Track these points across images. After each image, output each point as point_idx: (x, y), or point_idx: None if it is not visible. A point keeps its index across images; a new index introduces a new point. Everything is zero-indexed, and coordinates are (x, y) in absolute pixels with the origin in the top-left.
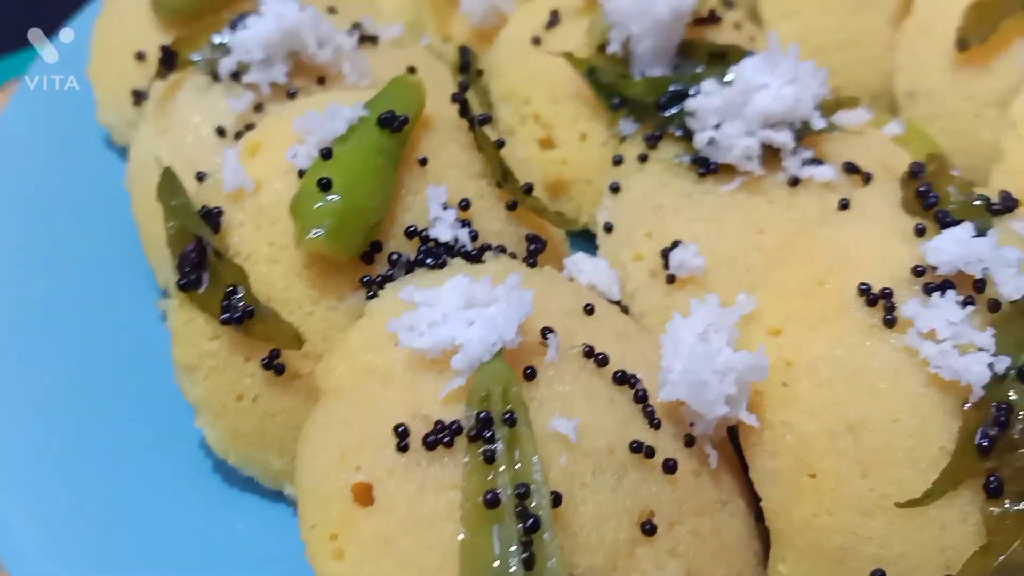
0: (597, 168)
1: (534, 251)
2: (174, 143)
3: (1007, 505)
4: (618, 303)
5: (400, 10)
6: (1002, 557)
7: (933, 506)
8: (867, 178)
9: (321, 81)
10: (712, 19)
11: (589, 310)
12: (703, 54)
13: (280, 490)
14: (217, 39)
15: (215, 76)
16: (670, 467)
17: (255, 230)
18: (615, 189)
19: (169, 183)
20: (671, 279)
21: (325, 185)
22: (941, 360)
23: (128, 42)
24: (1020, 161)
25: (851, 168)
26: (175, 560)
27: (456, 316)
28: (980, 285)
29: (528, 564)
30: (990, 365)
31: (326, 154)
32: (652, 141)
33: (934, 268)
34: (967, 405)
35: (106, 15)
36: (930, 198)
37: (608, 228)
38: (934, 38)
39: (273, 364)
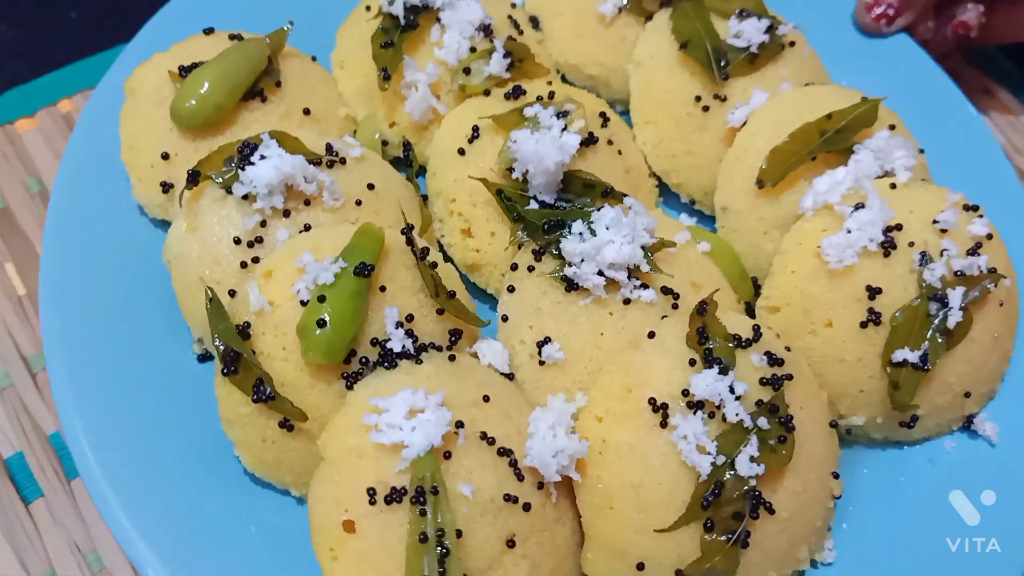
0: (502, 258)
1: (454, 341)
2: (202, 241)
3: (714, 537)
4: (508, 374)
5: (357, 98)
6: (708, 565)
7: (675, 532)
8: (676, 296)
9: (307, 203)
10: (591, 140)
11: (486, 399)
12: (579, 185)
13: (288, 491)
14: (228, 164)
15: (229, 191)
16: (527, 507)
17: (272, 338)
18: (511, 290)
19: (217, 310)
20: (542, 363)
21: (321, 323)
22: (688, 453)
23: (154, 140)
24: (781, 281)
25: (666, 290)
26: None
27: (404, 424)
28: (716, 409)
29: (442, 575)
30: (712, 463)
31: (321, 299)
32: (538, 255)
33: (694, 394)
34: (700, 479)
35: (131, 105)
36: (702, 338)
37: (505, 319)
38: (744, 169)
39: (286, 424)
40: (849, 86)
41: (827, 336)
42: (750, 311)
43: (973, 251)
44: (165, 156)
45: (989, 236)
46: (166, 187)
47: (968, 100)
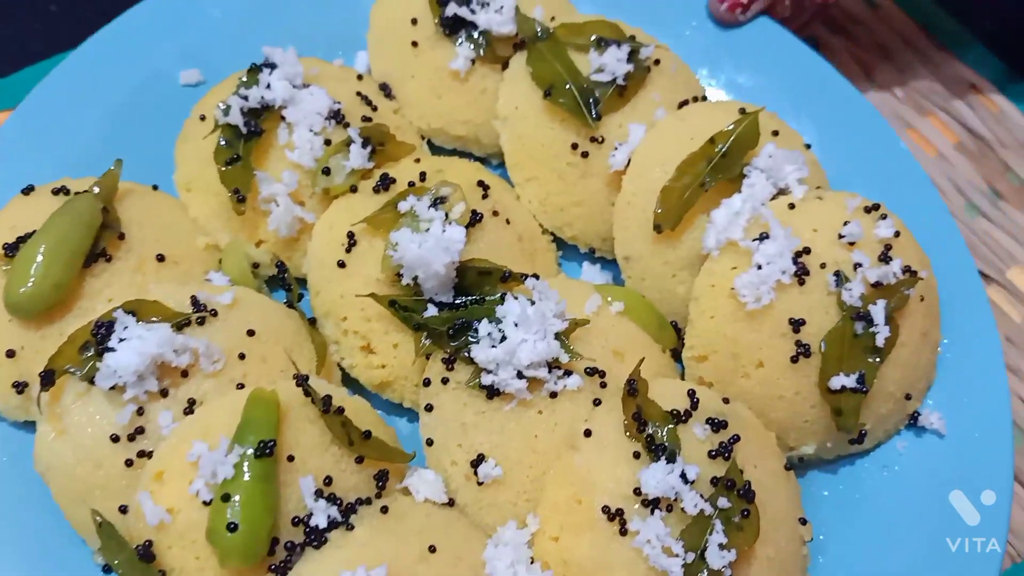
0: (411, 370)
1: (381, 487)
2: (75, 446)
3: None
4: (448, 503)
5: (213, 221)
6: None
7: None
8: (602, 374)
9: (184, 374)
10: (476, 218)
11: (432, 549)
12: (475, 275)
13: None
14: (86, 354)
15: (91, 381)
16: None
17: (181, 550)
18: (429, 409)
19: (110, 538)
20: (480, 483)
21: (233, 528)
22: (655, 559)
23: None
24: (702, 328)
25: (590, 371)
26: None
27: None
28: (672, 503)
29: None
30: (683, 564)
31: (225, 498)
32: (449, 363)
33: (646, 493)
34: None
35: None
36: (640, 425)
37: (430, 443)
38: (638, 214)
39: None
40: (722, 85)
41: (760, 377)
42: (676, 355)
43: (884, 256)
44: (11, 354)
45: (897, 234)
46: (20, 387)
47: (837, 71)
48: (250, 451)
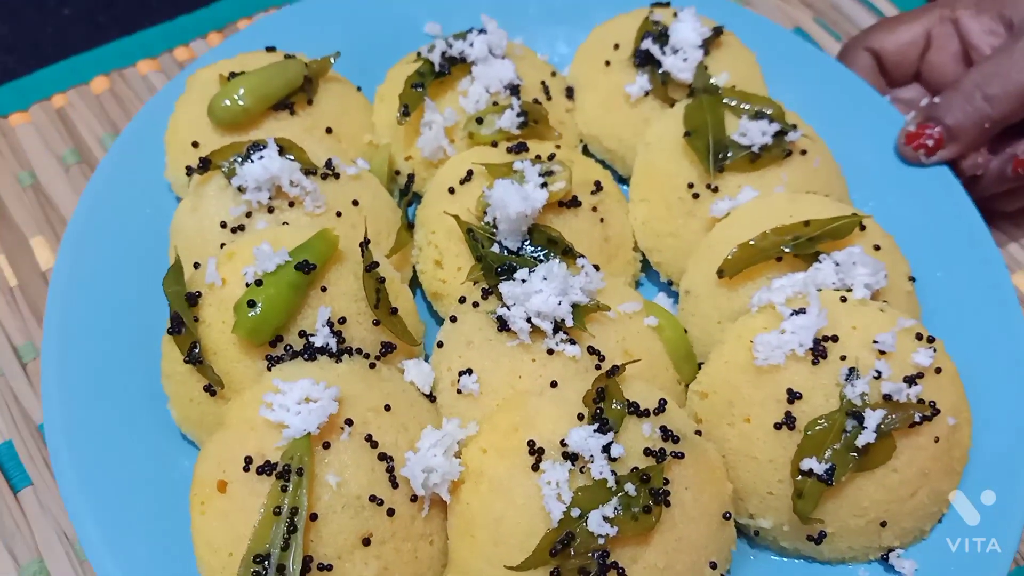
0: (462, 292)
1: (383, 353)
2: (198, 220)
3: None
4: (430, 396)
5: (386, 129)
6: None
7: (524, 574)
8: (601, 357)
9: (291, 204)
10: (575, 203)
11: (387, 408)
12: (544, 238)
13: None
14: (235, 158)
15: (229, 181)
16: (390, 512)
17: (215, 311)
18: (453, 319)
19: (174, 274)
20: (459, 392)
21: (252, 304)
22: (547, 499)
23: (190, 129)
24: (714, 369)
25: (592, 350)
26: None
27: (293, 407)
28: (586, 464)
29: (284, 549)
30: (564, 512)
31: (259, 283)
32: (485, 294)
33: (568, 444)
34: (552, 527)
35: (185, 97)
36: (596, 398)
37: (440, 344)
38: (712, 256)
39: (209, 389)
40: (873, 208)
41: (743, 431)
42: None
43: (910, 379)
44: (195, 144)
45: (938, 370)
46: (189, 171)
47: (995, 244)
48: (294, 262)
